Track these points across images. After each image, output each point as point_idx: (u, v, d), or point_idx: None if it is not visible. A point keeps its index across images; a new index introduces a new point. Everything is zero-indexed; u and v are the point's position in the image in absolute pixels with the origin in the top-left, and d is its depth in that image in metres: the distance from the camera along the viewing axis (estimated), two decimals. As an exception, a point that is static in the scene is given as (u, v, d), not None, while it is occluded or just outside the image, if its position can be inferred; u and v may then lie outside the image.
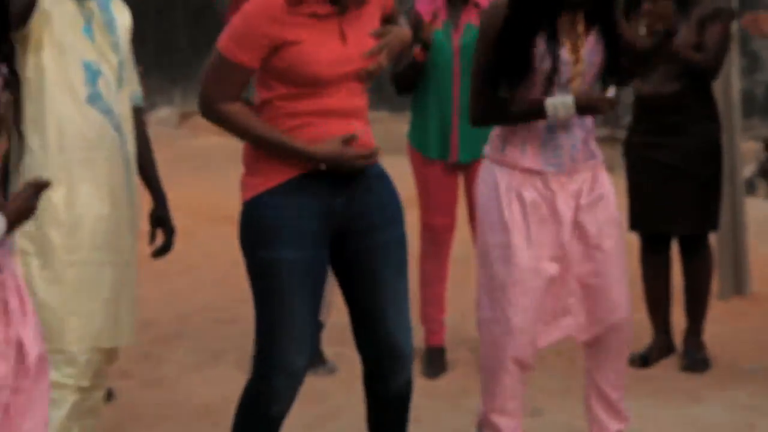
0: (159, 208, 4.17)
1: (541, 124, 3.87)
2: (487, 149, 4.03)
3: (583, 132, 3.91)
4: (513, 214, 3.87)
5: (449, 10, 5.35)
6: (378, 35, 3.41)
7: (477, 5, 5.36)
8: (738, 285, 6.45)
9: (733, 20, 5.50)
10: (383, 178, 3.55)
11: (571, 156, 3.90)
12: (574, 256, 3.93)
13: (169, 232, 4.19)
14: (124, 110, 3.91)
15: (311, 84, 3.36)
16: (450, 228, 5.48)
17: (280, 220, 3.38)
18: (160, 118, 12.94)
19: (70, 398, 3.62)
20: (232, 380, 5.25)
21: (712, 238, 5.65)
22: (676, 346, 5.44)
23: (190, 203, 8.36)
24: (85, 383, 3.68)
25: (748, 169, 7.86)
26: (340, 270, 3.53)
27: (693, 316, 5.41)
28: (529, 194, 3.87)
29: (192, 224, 7.56)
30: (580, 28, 3.83)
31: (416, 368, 5.39)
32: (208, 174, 10.48)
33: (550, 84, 3.80)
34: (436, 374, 5.29)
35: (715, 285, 5.70)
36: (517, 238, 3.85)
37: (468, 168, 5.41)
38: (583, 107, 3.75)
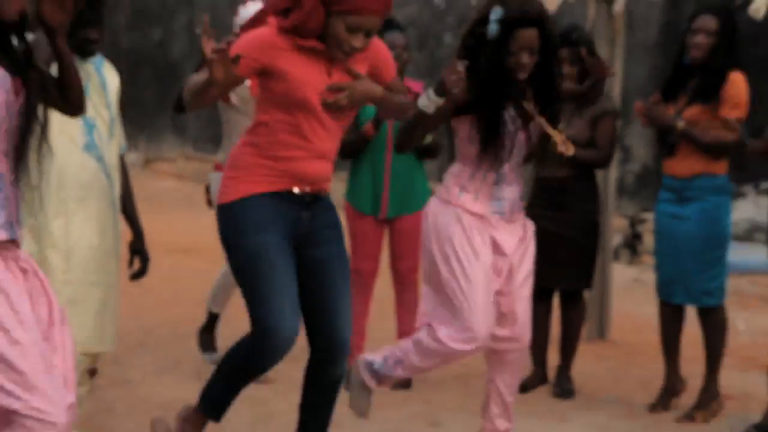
0: (137, 241, 4.27)
1: (491, 179, 4.01)
2: (440, 191, 4.13)
3: (520, 188, 4.11)
4: (465, 233, 3.97)
5: None
6: (352, 75, 3.44)
7: (409, 89, 5.60)
8: (601, 331, 6.63)
9: (618, 119, 5.70)
10: (332, 208, 3.65)
11: (510, 207, 4.07)
12: (503, 282, 4.07)
13: (144, 260, 4.29)
14: (113, 159, 4.02)
15: (301, 105, 3.40)
16: (374, 272, 5.62)
17: (264, 215, 3.43)
18: (128, 161, 12.73)
19: None
20: (187, 385, 5.36)
21: (586, 294, 5.87)
22: (549, 377, 5.61)
23: (150, 236, 8.41)
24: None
25: (615, 240, 8.04)
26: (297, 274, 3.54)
27: (565, 355, 5.60)
28: (475, 228, 3.99)
29: (152, 254, 7.62)
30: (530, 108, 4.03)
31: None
32: (166, 212, 10.08)
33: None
34: None
35: (583, 330, 5.86)
36: (479, 255, 3.96)
37: (393, 222, 5.58)
38: (438, 88, 3.77)
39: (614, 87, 6.56)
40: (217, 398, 3.59)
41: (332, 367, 3.59)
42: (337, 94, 3.40)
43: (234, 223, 3.48)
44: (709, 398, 5.19)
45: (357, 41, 3.35)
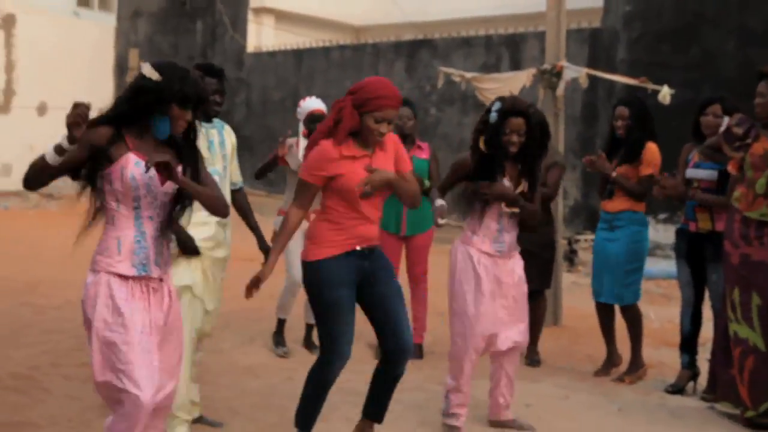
0: (262, 243, 4.38)
1: (494, 227, 4.04)
2: (461, 234, 4.14)
3: (513, 235, 4.12)
4: (477, 270, 4.04)
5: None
6: (369, 171, 3.43)
7: (420, 146, 5.59)
8: (556, 319, 6.64)
9: (564, 168, 5.70)
10: (383, 255, 3.65)
11: (508, 247, 4.09)
12: (505, 300, 4.09)
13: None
14: (226, 192, 4.02)
15: (349, 193, 3.46)
16: (396, 274, 5.45)
17: (337, 274, 3.46)
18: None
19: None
20: (261, 353, 5.53)
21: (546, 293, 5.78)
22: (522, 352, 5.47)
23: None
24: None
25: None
26: (364, 302, 3.57)
27: (533, 336, 5.50)
28: (483, 263, 4.05)
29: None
30: (518, 173, 4.05)
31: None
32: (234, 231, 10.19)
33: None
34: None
35: (543, 318, 5.78)
36: (481, 285, 4.02)
37: (409, 239, 5.58)
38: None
39: (560, 145, 6.63)
40: (303, 414, 3.64)
41: (396, 365, 3.59)
42: (362, 188, 3.43)
43: (315, 278, 3.51)
44: (635, 368, 5.21)
45: (383, 128, 3.44)
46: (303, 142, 5.49)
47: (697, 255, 4.90)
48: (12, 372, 4.82)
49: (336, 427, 4.08)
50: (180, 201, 2.97)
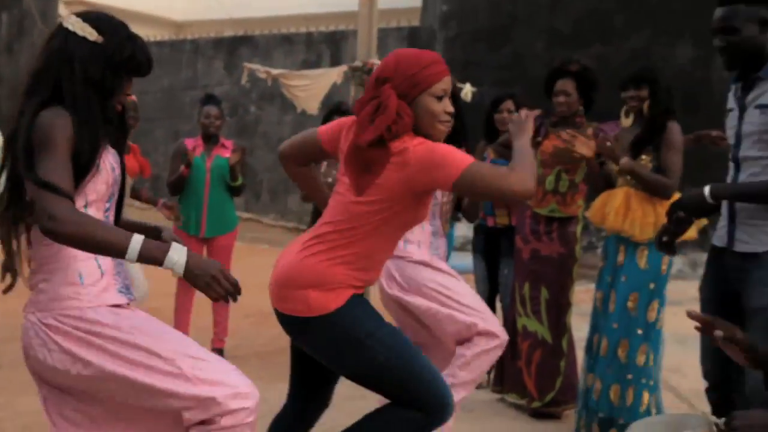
0: None
1: (428, 231, 3.49)
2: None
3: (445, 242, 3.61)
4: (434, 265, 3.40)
5: (205, 146, 5.39)
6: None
7: (224, 145, 5.41)
8: None
9: None
10: None
11: (445, 252, 3.58)
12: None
13: None
14: None
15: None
16: None
17: (371, 307, 2.51)
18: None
19: None
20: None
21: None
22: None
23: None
24: None
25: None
26: None
27: None
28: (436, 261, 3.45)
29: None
30: None
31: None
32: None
33: None
34: None
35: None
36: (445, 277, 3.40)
37: (210, 241, 5.37)
38: None
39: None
40: None
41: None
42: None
43: (354, 324, 2.44)
44: None
45: (447, 106, 2.45)
46: None
47: (493, 250, 4.97)
48: None
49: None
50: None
